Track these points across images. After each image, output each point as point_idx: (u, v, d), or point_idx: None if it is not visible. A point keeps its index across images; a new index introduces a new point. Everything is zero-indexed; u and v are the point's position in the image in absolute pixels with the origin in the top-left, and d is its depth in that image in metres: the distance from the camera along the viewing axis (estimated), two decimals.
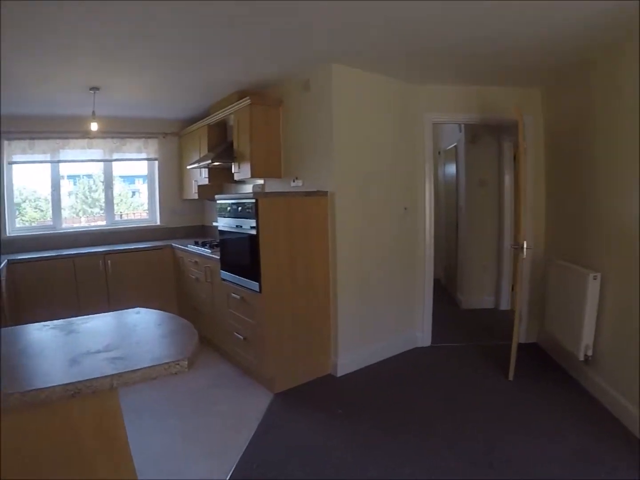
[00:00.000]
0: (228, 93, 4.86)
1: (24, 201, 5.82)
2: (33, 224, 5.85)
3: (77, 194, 6.16)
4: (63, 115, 5.42)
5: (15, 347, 1.79)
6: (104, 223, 6.14)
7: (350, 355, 4.20)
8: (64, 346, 1.83)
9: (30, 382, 1.42)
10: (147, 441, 3.11)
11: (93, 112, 4.61)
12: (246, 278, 3.84)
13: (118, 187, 6.39)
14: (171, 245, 5.65)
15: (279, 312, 3.79)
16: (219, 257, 4.31)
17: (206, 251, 4.70)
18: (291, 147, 4.51)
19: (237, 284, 3.99)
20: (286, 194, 4.07)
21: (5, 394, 1.31)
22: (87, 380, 1.40)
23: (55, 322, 2.10)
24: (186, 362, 1.58)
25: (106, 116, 5.52)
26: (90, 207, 6.17)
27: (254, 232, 3.64)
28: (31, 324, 2.09)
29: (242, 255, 3.87)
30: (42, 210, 5.90)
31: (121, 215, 6.38)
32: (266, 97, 4.67)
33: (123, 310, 2.39)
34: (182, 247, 5.33)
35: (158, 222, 6.39)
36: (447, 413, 3.44)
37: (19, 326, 2.11)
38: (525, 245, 3.83)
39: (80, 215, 6.14)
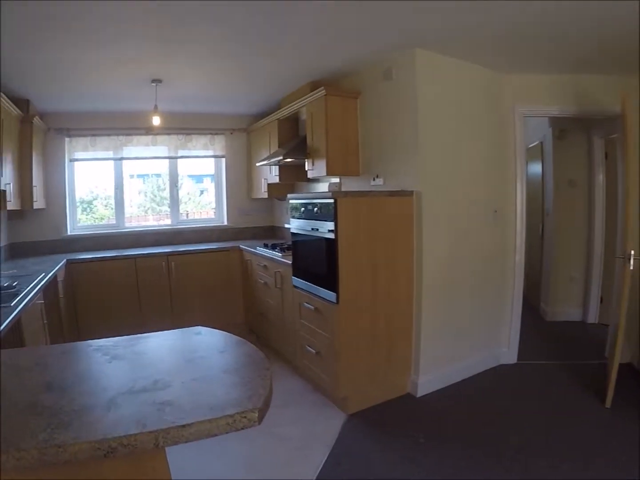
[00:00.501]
0: (300, 84, 4.56)
1: (95, 199, 5.79)
2: (97, 223, 5.82)
3: (146, 192, 6.09)
4: (125, 111, 5.33)
5: (45, 374, 1.51)
6: (169, 222, 6.01)
7: (432, 373, 3.78)
8: (104, 378, 1.50)
9: (52, 432, 1.09)
10: (203, 467, 2.84)
11: (155, 106, 4.43)
12: (321, 287, 3.49)
13: (186, 185, 6.26)
14: (239, 246, 5.41)
15: (357, 326, 3.42)
16: (290, 262, 3.99)
17: (277, 255, 4.40)
18: (370, 142, 4.13)
19: (311, 293, 3.66)
20: (368, 193, 3.69)
21: (18, 449, 1.01)
22: (124, 436, 1.08)
23: (101, 341, 1.87)
24: (256, 415, 1.21)
25: (171, 111, 5.39)
26: (159, 206, 6.05)
27: (331, 235, 3.29)
28: (72, 343, 1.86)
29: (317, 261, 3.54)
30: (112, 208, 5.86)
31: (187, 214, 6.22)
32: (342, 88, 4.33)
33: (181, 330, 2.10)
34: (250, 249, 5.07)
35: (225, 222, 6.19)
36: (541, 446, 2.97)
37: (56, 345, 1.87)
38: (632, 255, 3.29)
39: (149, 213, 6.06)
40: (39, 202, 4.82)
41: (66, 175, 5.42)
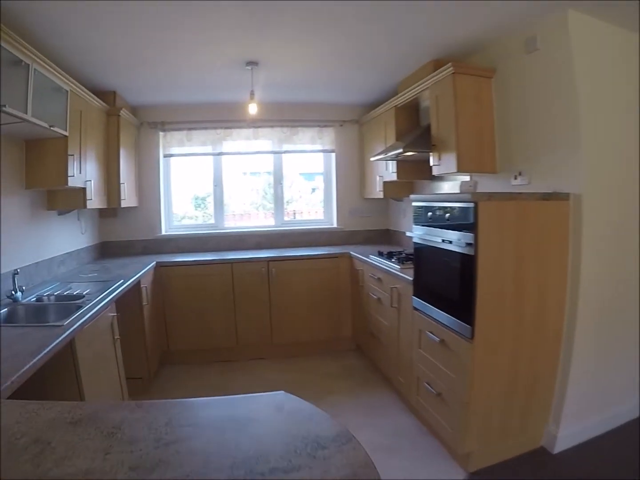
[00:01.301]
0: (421, 64, 3.72)
1: (209, 195, 5.37)
2: (194, 222, 5.41)
3: (257, 190, 5.61)
4: (223, 102, 4.79)
5: None
6: (272, 223, 5.43)
7: (575, 424, 2.82)
8: None
9: None
10: None
11: (252, 92, 3.82)
12: (451, 314, 2.64)
13: (297, 184, 5.67)
14: (349, 253, 4.63)
15: (494, 368, 2.55)
16: (411, 279, 3.17)
17: (394, 266, 3.57)
18: (510, 131, 3.19)
19: (436, 320, 2.81)
20: (516, 196, 2.72)
21: None
22: None
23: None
24: None
25: (273, 101, 4.86)
26: (270, 203, 5.52)
27: (468, 250, 2.44)
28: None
29: (446, 282, 2.70)
30: (202, 209, 5.42)
31: (294, 214, 5.62)
32: (473, 65, 3.43)
33: (259, 395, 1.45)
34: (362, 257, 4.28)
35: (334, 225, 5.44)
36: None
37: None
38: None
39: (259, 210, 5.58)
40: (128, 200, 4.48)
41: (160, 172, 5.06)
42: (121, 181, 4.18)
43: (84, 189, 3.52)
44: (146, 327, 3.75)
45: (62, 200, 3.59)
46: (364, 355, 4.45)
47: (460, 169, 3.23)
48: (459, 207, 2.52)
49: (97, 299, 2.76)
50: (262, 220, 5.51)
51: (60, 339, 2.03)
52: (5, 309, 2.63)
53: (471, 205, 2.40)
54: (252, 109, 3.85)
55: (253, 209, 5.58)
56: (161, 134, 4.99)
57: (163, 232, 5.09)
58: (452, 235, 2.57)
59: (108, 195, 4.12)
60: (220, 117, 4.95)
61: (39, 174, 3.23)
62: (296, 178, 5.64)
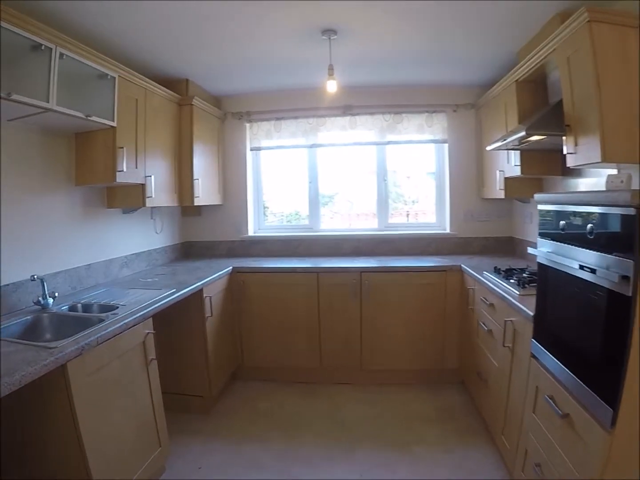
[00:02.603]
0: (544, 21, 2.77)
1: (337, 194, 4.85)
2: (284, 224, 4.90)
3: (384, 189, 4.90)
4: (312, 87, 4.12)
5: None
6: (375, 226, 4.70)
7: None
8: None
9: None
10: None
11: (330, 67, 3.14)
12: (583, 380, 1.71)
13: (404, 179, 4.88)
14: (460, 267, 3.72)
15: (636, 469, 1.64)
16: (532, 313, 2.24)
17: (511, 291, 2.64)
18: None
19: (560, 382, 1.89)
20: None
21: None
22: None
23: None
24: None
25: (370, 83, 4.16)
26: (394, 202, 4.86)
27: (622, 287, 1.48)
28: None
29: (582, 328, 1.78)
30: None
31: (408, 215, 4.85)
32: (615, 11, 2.31)
33: None
34: (474, 273, 3.35)
35: (447, 230, 4.54)
36: None
37: None
38: None
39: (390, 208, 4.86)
40: (207, 198, 4.12)
41: (248, 167, 4.62)
42: (195, 177, 3.79)
43: (143, 185, 3.15)
44: (209, 341, 3.30)
45: (121, 197, 3.28)
46: (467, 394, 3.57)
47: (607, 158, 2.21)
48: (608, 213, 1.61)
49: (128, 312, 2.34)
50: (363, 222, 4.82)
51: (33, 368, 1.62)
52: (23, 319, 2.32)
53: (631, 211, 1.47)
54: (331, 86, 3.18)
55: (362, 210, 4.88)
56: (247, 125, 4.56)
57: (250, 233, 4.65)
58: (596, 259, 1.64)
59: (179, 193, 3.76)
60: (311, 104, 4.36)
61: (88, 169, 2.94)
62: (403, 173, 4.84)
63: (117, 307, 2.45)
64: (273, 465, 2.70)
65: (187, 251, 4.65)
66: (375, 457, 2.77)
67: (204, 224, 4.65)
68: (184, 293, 2.90)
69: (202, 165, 3.97)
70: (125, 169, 2.84)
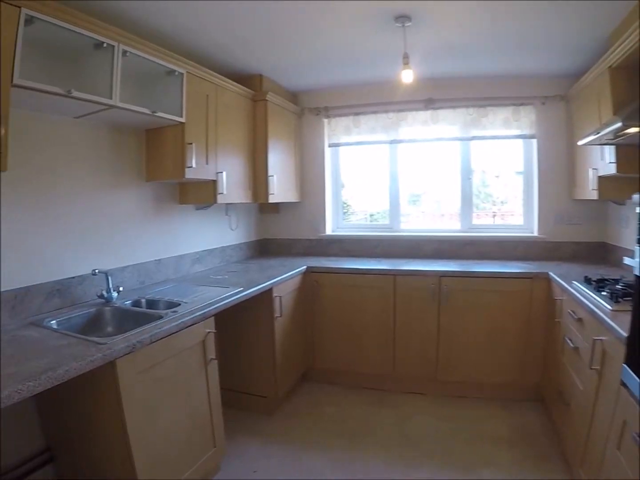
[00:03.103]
0: None
1: (424, 193, 4.62)
2: (363, 223, 4.73)
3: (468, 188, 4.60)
4: (391, 80, 3.83)
5: None
6: (458, 227, 4.37)
7: None
8: None
9: None
10: None
11: (405, 56, 2.90)
12: None
13: (504, 179, 4.49)
14: (548, 274, 3.29)
15: None
16: (624, 335, 1.85)
17: (603, 305, 2.23)
18: None
19: None
20: None
21: None
22: None
23: None
24: None
25: (451, 75, 3.87)
26: (483, 202, 4.56)
27: None
28: None
29: None
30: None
31: (494, 216, 4.49)
32: None
33: None
34: (562, 282, 2.92)
35: (535, 232, 4.09)
36: None
37: None
38: None
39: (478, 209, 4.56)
40: (283, 195, 4.06)
41: (326, 163, 4.51)
42: (270, 174, 3.73)
43: (214, 181, 3.14)
44: (277, 342, 3.21)
45: (193, 193, 3.30)
46: (546, 414, 3.17)
47: None
48: None
49: (188, 310, 2.31)
50: (447, 222, 4.52)
51: (78, 364, 1.62)
52: (85, 311, 2.39)
53: None
54: (407, 76, 2.95)
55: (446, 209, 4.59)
56: (325, 120, 4.42)
57: (328, 232, 4.53)
58: None
59: (254, 190, 3.73)
60: (391, 98, 4.13)
61: (158, 165, 2.97)
62: (492, 172, 4.46)
63: (180, 304, 2.43)
64: (330, 476, 2.56)
65: (264, 249, 4.64)
66: (439, 477, 2.52)
67: (282, 221, 4.61)
68: (251, 293, 2.83)
69: (278, 162, 3.91)
70: (194, 165, 2.82)
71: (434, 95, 4.03)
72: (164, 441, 2.07)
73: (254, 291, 2.87)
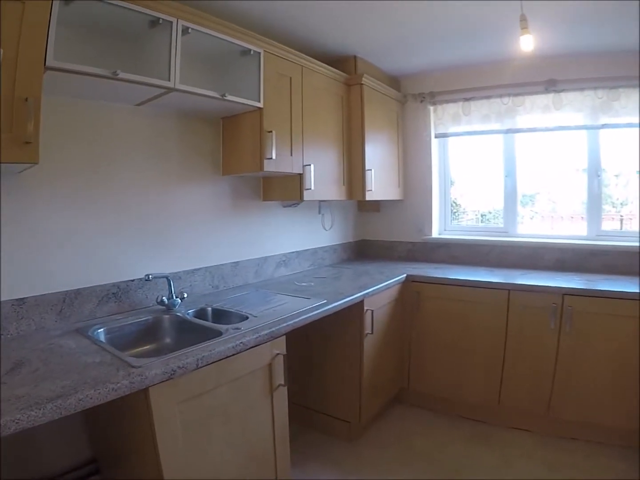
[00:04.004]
0: None
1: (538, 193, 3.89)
2: (474, 225, 4.07)
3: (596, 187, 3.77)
4: (506, 57, 3.28)
5: None
6: (584, 234, 3.54)
7: None
8: None
9: None
10: None
11: (522, 17, 2.25)
12: None
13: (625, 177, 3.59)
14: None
15: None
16: None
17: None
18: None
19: None
20: None
21: None
22: None
23: None
24: None
25: (575, 50, 3.14)
26: (613, 208, 3.72)
27: None
28: None
29: None
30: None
31: (622, 220, 3.60)
32: None
33: None
34: None
35: None
36: None
37: None
38: None
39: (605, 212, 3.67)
40: (383, 192, 3.58)
41: (433, 157, 3.93)
42: (367, 167, 3.28)
43: (300, 175, 2.77)
44: (365, 363, 2.76)
45: (278, 189, 2.97)
46: None
47: None
48: None
49: (252, 328, 1.94)
50: (567, 226, 3.70)
51: (96, 392, 1.33)
52: (143, 319, 2.15)
53: None
54: (526, 43, 2.30)
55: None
56: (431, 108, 3.85)
57: (434, 235, 3.96)
58: None
59: (349, 186, 3.30)
60: (505, 80, 3.48)
61: (235, 157, 2.67)
62: (615, 168, 3.54)
63: (248, 318, 2.09)
64: None
65: (362, 251, 4.20)
66: None
67: (383, 221, 4.14)
68: (335, 307, 2.39)
69: (377, 155, 3.45)
70: (274, 156, 2.46)
71: (557, 75, 3.30)
72: (210, 476, 1.73)
73: (339, 305, 2.43)
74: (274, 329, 1.95)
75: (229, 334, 1.84)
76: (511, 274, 3.20)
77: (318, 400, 2.94)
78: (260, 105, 2.41)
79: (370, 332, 2.75)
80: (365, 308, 2.71)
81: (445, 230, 4.05)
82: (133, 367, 1.50)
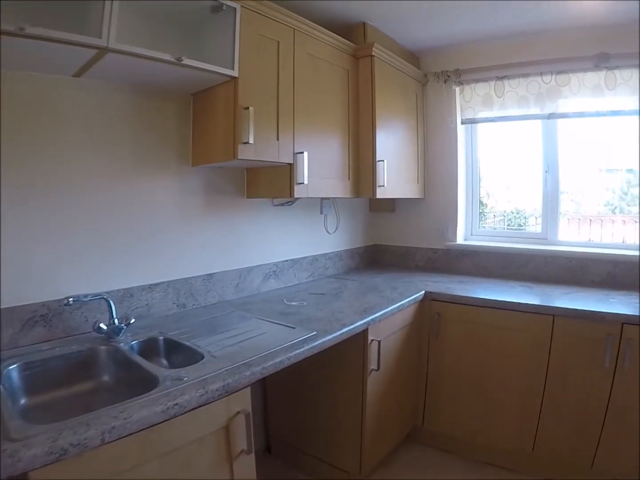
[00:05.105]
0: None
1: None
2: (507, 230, 3.42)
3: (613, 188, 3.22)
4: (545, 28, 2.71)
5: None
6: (636, 241, 2.89)
7: None
8: None
9: None
10: None
11: None
12: None
13: None
14: None
15: None
16: None
17: None
18: None
19: None
20: None
21: None
22: None
23: None
24: None
25: (631, 18, 2.52)
26: (629, 205, 3.17)
27: None
28: None
29: None
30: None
31: None
32: None
33: None
34: None
35: None
36: None
37: None
38: None
39: (616, 213, 3.15)
40: (397, 189, 2.97)
41: (459, 147, 3.31)
42: (378, 158, 2.69)
43: (291, 166, 2.19)
44: (368, 405, 2.19)
45: (265, 183, 2.38)
46: None
47: None
48: None
49: (199, 378, 1.37)
50: (620, 231, 3.05)
51: None
52: (75, 351, 1.63)
53: None
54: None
55: (608, 212, 3.16)
56: (456, 89, 3.22)
57: (459, 241, 3.35)
58: None
59: (355, 180, 2.70)
60: (548, 53, 2.85)
61: (206, 142, 2.11)
62: None
63: (203, 358, 1.53)
64: None
65: (373, 258, 3.62)
66: None
67: (398, 223, 3.54)
68: (325, 343, 1.79)
69: (390, 144, 2.85)
70: (252, 140, 1.89)
71: (609, 48, 2.67)
72: None
73: (334, 338, 1.84)
74: (230, 380, 1.38)
75: (165, 387, 1.29)
76: (553, 293, 2.58)
77: (311, 444, 2.41)
78: (235, 74, 1.85)
79: (375, 369, 2.17)
80: (370, 338, 2.13)
81: (472, 235, 3.42)
82: (11, 440, 0.99)
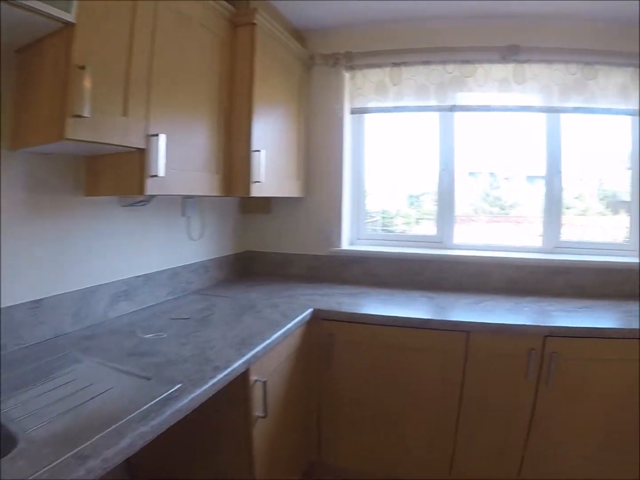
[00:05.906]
0: None
1: (423, 194, 3.16)
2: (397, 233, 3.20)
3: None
4: (452, 13, 2.57)
5: None
6: (539, 245, 2.87)
7: None
8: None
9: None
10: None
11: None
12: None
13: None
14: None
15: None
16: None
17: None
18: None
19: None
20: None
21: None
22: None
23: None
24: None
25: (545, 11, 2.51)
26: (491, 206, 3.12)
27: None
28: None
29: None
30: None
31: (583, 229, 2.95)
32: None
33: None
34: None
35: (638, 258, 2.64)
36: None
37: None
38: None
39: (478, 213, 3.14)
40: (275, 186, 2.54)
41: (345, 140, 2.97)
42: (254, 148, 2.23)
43: (142, 151, 1.62)
44: (255, 454, 1.71)
45: (111, 176, 1.76)
46: None
47: None
48: None
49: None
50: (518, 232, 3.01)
51: None
52: None
53: None
54: None
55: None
56: (346, 74, 2.89)
57: (345, 246, 3.01)
58: None
59: (225, 174, 2.19)
60: (453, 41, 2.67)
61: (30, 116, 1.46)
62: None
63: (16, 444, 0.95)
64: None
65: (246, 267, 3.13)
66: None
67: (275, 226, 3.12)
68: (194, 399, 1.27)
69: (269, 132, 2.41)
70: (88, 113, 1.31)
71: (520, 41, 2.58)
72: None
73: (206, 390, 1.33)
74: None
75: None
76: (458, 303, 2.38)
77: None
78: (71, 18, 1.24)
79: (262, 415, 1.72)
80: (253, 379, 1.66)
81: (358, 239, 3.12)
82: None
